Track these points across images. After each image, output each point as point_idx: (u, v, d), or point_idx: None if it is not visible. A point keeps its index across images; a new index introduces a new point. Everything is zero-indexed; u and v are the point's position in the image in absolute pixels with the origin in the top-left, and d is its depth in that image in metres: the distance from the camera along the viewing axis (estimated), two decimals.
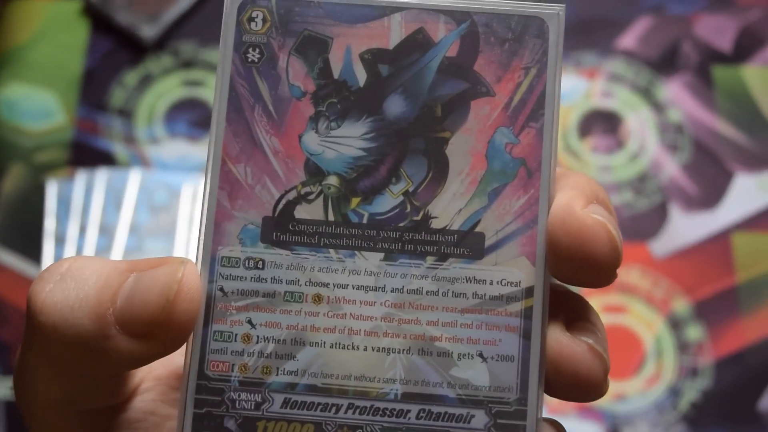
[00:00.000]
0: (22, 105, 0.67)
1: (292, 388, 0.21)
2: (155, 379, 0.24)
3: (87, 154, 0.65)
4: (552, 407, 0.57)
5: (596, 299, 0.60)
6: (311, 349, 0.21)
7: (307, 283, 0.22)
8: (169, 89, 0.67)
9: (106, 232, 0.61)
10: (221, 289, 0.22)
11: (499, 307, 0.21)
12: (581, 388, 0.21)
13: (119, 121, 0.66)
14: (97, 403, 0.22)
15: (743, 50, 0.68)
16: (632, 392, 0.58)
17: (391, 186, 0.22)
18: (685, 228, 0.62)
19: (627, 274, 0.61)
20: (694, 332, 0.59)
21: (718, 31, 0.69)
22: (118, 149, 0.65)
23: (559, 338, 0.21)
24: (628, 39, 0.69)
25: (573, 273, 0.21)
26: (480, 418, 0.21)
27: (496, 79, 0.22)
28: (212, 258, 0.22)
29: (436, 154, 0.22)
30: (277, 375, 0.21)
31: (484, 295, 0.22)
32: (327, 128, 0.22)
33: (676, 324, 0.59)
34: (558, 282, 0.22)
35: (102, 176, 0.63)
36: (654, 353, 0.59)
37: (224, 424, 0.21)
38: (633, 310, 0.60)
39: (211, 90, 0.65)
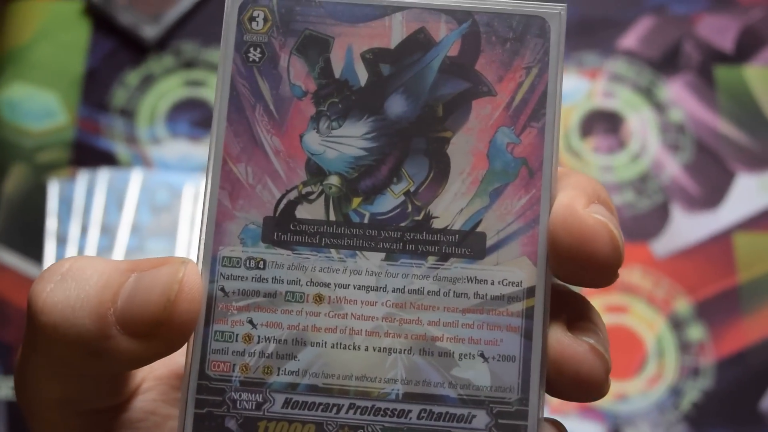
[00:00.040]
0: (23, 105, 0.67)
1: (293, 388, 0.21)
2: (156, 378, 0.24)
3: (88, 154, 0.65)
4: (553, 407, 0.57)
5: (597, 299, 0.60)
6: (312, 349, 0.21)
7: (309, 283, 0.22)
8: (170, 89, 0.67)
9: (108, 232, 0.61)
10: (222, 289, 0.22)
11: (500, 307, 0.21)
12: (583, 388, 0.21)
13: (121, 121, 0.66)
14: (98, 403, 0.22)
15: (745, 50, 0.68)
16: (634, 392, 0.58)
17: (392, 186, 0.22)
18: (687, 228, 0.62)
19: (628, 274, 0.61)
20: (696, 332, 0.59)
21: (719, 31, 0.69)
22: (120, 149, 0.65)
23: (560, 338, 0.21)
24: (630, 39, 0.69)
25: (574, 273, 0.21)
26: (481, 419, 0.21)
27: (498, 79, 0.22)
28: (213, 258, 0.22)
29: (437, 153, 0.22)
30: (278, 375, 0.21)
31: (486, 295, 0.21)
32: (328, 128, 0.22)
33: (677, 324, 0.59)
34: (559, 282, 0.22)
35: (103, 176, 0.63)
36: (655, 353, 0.59)
37: (225, 424, 0.21)
38: (634, 310, 0.60)
39: (213, 90, 0.65)
